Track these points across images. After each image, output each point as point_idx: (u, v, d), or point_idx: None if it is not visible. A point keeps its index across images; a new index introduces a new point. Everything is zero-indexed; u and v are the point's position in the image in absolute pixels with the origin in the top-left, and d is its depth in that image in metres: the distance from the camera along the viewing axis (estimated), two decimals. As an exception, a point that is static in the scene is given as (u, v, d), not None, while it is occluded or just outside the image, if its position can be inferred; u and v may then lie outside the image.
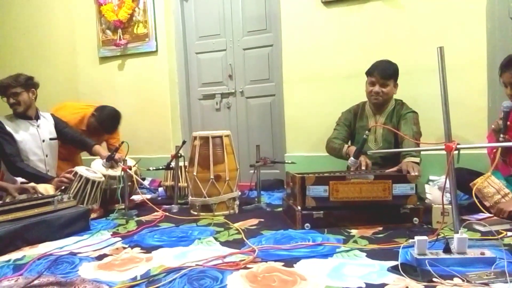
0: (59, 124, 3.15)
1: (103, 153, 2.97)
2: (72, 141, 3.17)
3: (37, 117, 3.04)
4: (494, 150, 2.32)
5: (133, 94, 4.29)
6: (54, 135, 3.10)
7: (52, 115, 3.18)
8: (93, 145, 3.09)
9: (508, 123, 2.17)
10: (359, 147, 2.45)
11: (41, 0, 4.60)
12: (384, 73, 2.71)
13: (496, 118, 2.46)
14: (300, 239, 2.02)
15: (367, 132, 2.39)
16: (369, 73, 2.78)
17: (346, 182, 2.22)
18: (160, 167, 3.05)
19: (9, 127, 2.88)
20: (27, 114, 2.97)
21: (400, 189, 2.23)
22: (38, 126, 3.01)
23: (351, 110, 2.97)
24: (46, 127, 3.06)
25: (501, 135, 2.14)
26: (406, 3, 3.19)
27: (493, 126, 2.24)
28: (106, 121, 3.34)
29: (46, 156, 3.02)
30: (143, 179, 3.55)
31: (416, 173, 2.27)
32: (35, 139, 2.97)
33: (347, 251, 1.81)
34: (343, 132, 2.92)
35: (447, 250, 1.58)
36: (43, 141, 3.01)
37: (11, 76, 2.93)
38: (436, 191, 2.53)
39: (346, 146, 2.78)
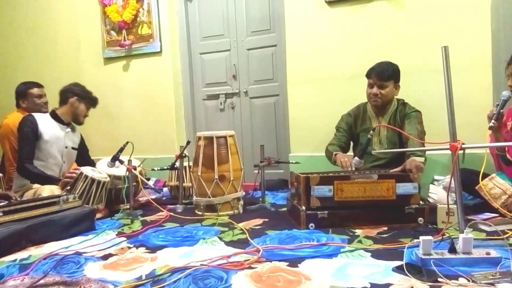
0: (82, 141, 3.21)
1: None
2: (82, 157, 3.18)
3: (69, 124, 3.05)
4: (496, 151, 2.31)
5: (138, 94, 4.31)
6: (77, 146, 3.13)
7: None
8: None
9: (502, 111, 2.18)
10: (363, 147, 2.45)
11: (46, 1, 4.63)
12: (381, 74, 2.70)
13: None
14: (304, 239, 2.02)
15: (371, 132, 2.39)
16: (367, 75, 2.77)
17: (350, 181, 2.22)
18: (165, 167, 3.06)
19: (41, 127, 2.86)
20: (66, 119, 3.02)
21: (403, 188, 2.23)
22: (66, 132, 3.01)
23: (350, 113, 2.94)
24: (72, 136, 3.08)
25: (492, 121, 2.14)
26: (410, 2, 3.19)
27: (488, 113, 2.25)
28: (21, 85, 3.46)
29: (64, 162, 3.01)
30: (148, 179, 3.55)
31: (416, 176, 2.26)
32: (59, 143, 2.95)
33: (352, 251, 1.80)
34: (342, 138, 2.90)
35: (452, 250, 1.57)
36: (66, 147, 3.01)
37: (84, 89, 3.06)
38: (441, 191, 2.52)
39: (334, 153, 2.76)
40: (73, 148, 3.07)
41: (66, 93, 2.99)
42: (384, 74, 2.70)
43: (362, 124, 2.88)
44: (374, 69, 2.74)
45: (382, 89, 2.71)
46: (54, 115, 2.97)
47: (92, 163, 3.14)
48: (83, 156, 3.20)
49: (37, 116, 2.91)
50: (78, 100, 2.97)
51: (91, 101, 3.04)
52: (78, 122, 3.06)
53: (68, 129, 3.03)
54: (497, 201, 2.19)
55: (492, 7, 2.95)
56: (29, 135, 2.81)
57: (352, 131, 2.92)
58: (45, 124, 2.90)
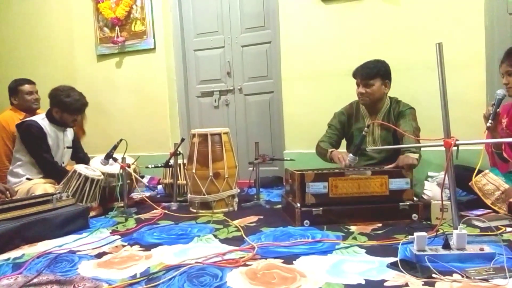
0: (75, 137, 3.21)
1: None
2: (75, 155, 3.18)
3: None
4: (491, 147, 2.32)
5: (131, 91, 4.28)
6: (71, 144, 3.13)
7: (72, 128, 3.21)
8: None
9: (498, 110, 2.19)
10: (358, 144, 2.44)
11: (39, -2, 4.59)
12: (364, 74, 2.68)
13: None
14: (299, 236, 2.02)
15: (366, 129, 2.38)
16: (353, 75, 2.76)
17: (345, 178, 2.23)
18: (159, 165, 3.05)
19: (46, 130, 2.87)
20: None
21: (396, 183, 2.25)
22: (64, 133, 3.03)
23: (344, 112, 2.90)
24: (68, 136, 3.10)
25: (490, 121, 2.15)
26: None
27: (484, 113, 2.26)
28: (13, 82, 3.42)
29: (63, 163, 3.03)
30: (142, 177, 3.54)
31: (408, 172, 2.26)
32: (60, 144, 2.99)
33: (347, 247, 1.81)
34: (333, 136, 2.87)
35: (446, 246, 1.58)
36: (64, 148, 3.04)
37: (76, 97, 2.93)
38: (435, 187, 2.53)
39: (330, 151, 2.73)
40: (68, 147, 3.08)
41: (51, 101, 2.93)
42: (368, 73, 2.68)
43: (355, 123, 2.85)
44: (359, 68, 2.73)
45: (368, 87, 2.68)
46: (51, 117, 2.93)
47: (86, 158, 3.16)
48: (77, 151, 3.19)
49: (37, 119, 2.88)
50: (60, 111, 2.91)
51: (72, 111, 2.91)
52: (68, 127, 3.05)
53: (64, 130, 3.04)
54: (491, 197, 2.20)
55: (486, 3, 2.96)
56: (43, 139, 2.83)
57: (344, 129, 2.90)
58: (46, 127, 2.89)
